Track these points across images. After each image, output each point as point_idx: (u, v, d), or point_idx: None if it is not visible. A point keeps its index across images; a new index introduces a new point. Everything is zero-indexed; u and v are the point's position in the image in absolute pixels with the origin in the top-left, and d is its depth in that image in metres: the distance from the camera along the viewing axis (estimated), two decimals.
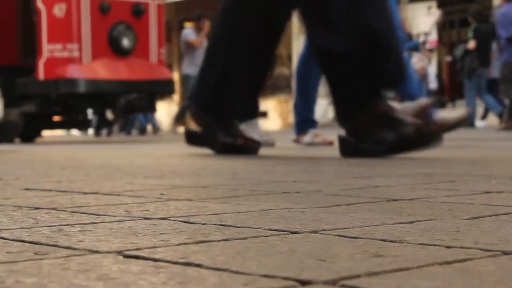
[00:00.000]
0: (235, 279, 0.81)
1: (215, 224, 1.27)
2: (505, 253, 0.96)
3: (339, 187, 2.00)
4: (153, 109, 10.14)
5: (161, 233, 1.17)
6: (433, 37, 15.35)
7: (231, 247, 1.03)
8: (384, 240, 1.07)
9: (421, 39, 15.16)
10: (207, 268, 0.87)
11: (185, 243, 1.06)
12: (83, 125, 11.54)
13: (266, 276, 0.82)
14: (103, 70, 9.24)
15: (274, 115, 18.03)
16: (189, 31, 12.26)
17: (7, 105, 9.74)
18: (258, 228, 1.21)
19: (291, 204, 1.58)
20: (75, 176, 2.56)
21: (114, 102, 9.58)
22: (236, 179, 2.36)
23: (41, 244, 1.07)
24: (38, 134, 10.87)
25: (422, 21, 15.49)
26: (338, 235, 1.13)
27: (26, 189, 2.06)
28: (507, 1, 10.71)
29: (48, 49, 9.21)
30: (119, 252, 0.99)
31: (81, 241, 1.10)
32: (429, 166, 2.93)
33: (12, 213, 1.48)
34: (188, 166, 3.16)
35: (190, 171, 2.79)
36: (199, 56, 11.42)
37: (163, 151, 5.53)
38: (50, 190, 2.00)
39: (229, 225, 1.25)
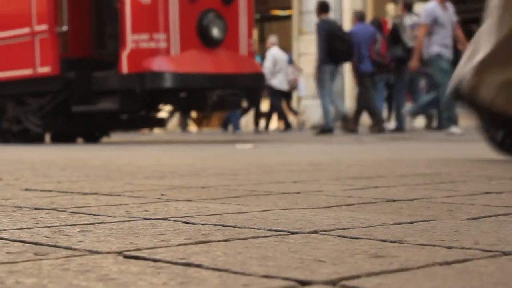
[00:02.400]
0: (235, 279, 0.81)
1: (216, 225, 1.27)
2: (505, 253, 0.96)
3: (339, 188, 2.00)
4: (240, 106, 9.17)
5: (161, 234, 1.17)
6: None
7: (232, 247, 1.03)
8: (384, 241, 1.07)
9: None
10: (208, 268, 0.87)
11: (185, 244, 1.06)
12: (157, 124, 10.17)
13: (266, 276, 0.82)
14: (192, 62, 8.16)
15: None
16: (434, 5, 10.18)
17: (81, 102, 8.57)
18: (258, 229, 1.21)
19: (291, 205, 1.58)
20: (75, 177, 2.56)
21: (202, 98, 8.41)
22: (236, 179, 2.36)
23: (41, 244, 1.07)
24: (105, 133, 9.75)
25: None
26: (338, 236, 1.13)
27: (26, 189, 2.06)
28: (357, 21, 11.13)
29: (132, 40, 8.16)
30: (119, 253, 0.99)
31: (81, 241, 1.10)
32: (429, 167, 2.93)
33: (12, 213, 1.48)
34: (188, 167, 3.16)
35: (190, 172, 2.79)
36: (448, 33, 10.23)
37: (163, 152, 5.53)
38: (50, 191, 2.00)
39: (230, 226, 1.25)
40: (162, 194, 1.85)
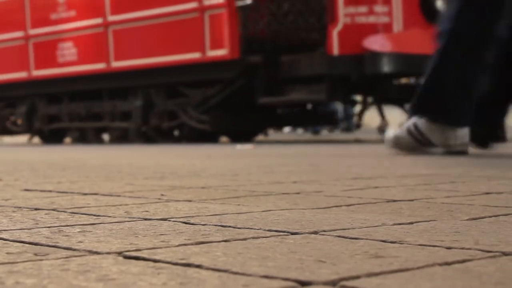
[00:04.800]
0: (235, 280, 0.81)
1: (215, 225, 1.27)
2: (504, 254, 0.96)
3: (339, 188, 2.00)
4: None
5: (161, 234, 1.17)
6: None
7: (231, 248, 1.03)
8: (384, 241, 1.07)
9: None
10: (207, 269, 0.87)
11: (185, 244, 1.06)
12: (327, 120, 8.43)
13: (266, 277, 0.82)
14: (418, 42, 6.55)
15: None
16: None
17: (269, 92, 6.77)
18: (258, 229, 1.21)
19: (291, 205, 1.58)
20: (75, 177, 2.56)
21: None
22: (236, 180, 2.36)
23: (41, 245, 1.07)
24: (260, 131, 8.31)
25: None
26: (338, 236, 1.13)
27: (26, 190, 2.06)
28: None
29: (346, 13, 6.55)
30: (119, 253, 0.99)
31: (81, 242, 1.10)
32: (429, 167, 2.93)
33: (12, 214, 1.48)
34: (188, 167, 3.16)
35: (190, 172, 2.79)
36: None
37: (162, 152, 5.53)
38: (50, 191, 2.00)
39: (229, 226, 1.25)
40: (162, 195, 1.85)
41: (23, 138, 11.30)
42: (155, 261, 0.93)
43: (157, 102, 7.76)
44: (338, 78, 6.59)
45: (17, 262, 0.93)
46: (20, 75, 9.04)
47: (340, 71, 6.52)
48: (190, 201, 1.70)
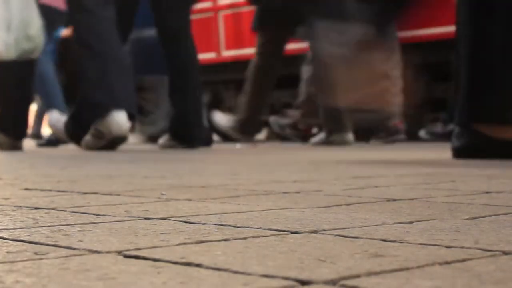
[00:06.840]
0: (235, 279, 0.81)
1: (215, 224, 1.27)
2: (505, 253, 0.96)
3: (339, 187, 2.00)
4: None
5: (161, 233, 1.17)
6: None
7: (231, 247, 1.03)
8: (384, 240, 1.07)
9: None
10: (207, 268, 0.87)
11: (185, 243, 1.06)
12: None
13: (266, 276, 0.82)
14: None
15: None
16: None
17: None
18: (258, 228, 1.21)
19: (291, 204, 1.58)
20: (75, 176, 2.56)
21: None
22: (236, 179, 2.36)
23: (41, 244, 1.07)
24: None
25: None
26: (338, 235, 1.13)
27: (26, 189, 2.06)
28: None
29: None
30: (119, 252, 0.99)
31: (81, 241, 1.10)
32: (429, 166, 2.93)
33: (12, 213, 1.48)
34: (187, 166, 3.16)
35: (189, 171, 2.79)
36: None
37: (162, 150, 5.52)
38: (49, 190, 2.00)
39: (229, 225, 1.25)
40: (162, 194, 1.85)
41: None
42: (155, 260, 0.93)
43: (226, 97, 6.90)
44: None
45: (16, 261, 0.93)
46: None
47: None
48: (190, 200, 1.70)
